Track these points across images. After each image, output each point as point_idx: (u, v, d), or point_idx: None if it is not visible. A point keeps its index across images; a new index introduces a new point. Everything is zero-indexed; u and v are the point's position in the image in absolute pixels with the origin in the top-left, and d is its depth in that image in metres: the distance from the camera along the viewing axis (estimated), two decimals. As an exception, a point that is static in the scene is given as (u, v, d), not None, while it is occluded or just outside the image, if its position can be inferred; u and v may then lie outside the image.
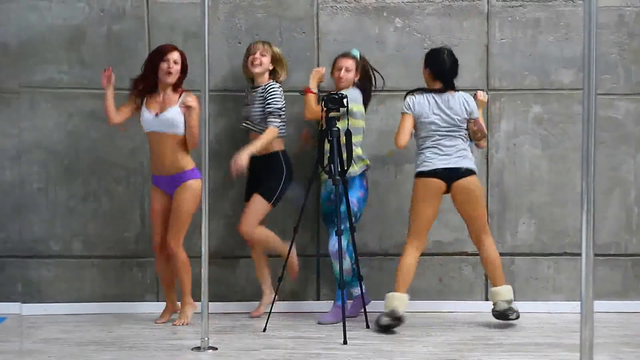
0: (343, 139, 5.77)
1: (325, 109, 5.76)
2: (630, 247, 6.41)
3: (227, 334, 5.66)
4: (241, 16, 6.33)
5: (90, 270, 6.34)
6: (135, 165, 6.27)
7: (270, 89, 5.94)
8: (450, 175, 5.71)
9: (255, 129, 5.98)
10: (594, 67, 3.72)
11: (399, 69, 6.31)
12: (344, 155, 5.77)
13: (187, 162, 5.82)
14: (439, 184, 5.71)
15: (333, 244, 5.86)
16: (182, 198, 5.78)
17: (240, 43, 6.30)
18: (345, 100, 5.76)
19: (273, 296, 5.95)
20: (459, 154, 5.74)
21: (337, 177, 5.67)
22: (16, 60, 6.23)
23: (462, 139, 5.78)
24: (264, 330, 5.71)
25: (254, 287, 6.24)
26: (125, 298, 6.29)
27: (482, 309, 6.25)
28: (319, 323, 5.92)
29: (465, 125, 5.79)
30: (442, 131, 5.74)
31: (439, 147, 5.74)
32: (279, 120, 5.93)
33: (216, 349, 5.24)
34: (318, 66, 6.28)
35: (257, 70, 5.98)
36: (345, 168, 5.76)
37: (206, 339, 5.20)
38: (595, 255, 3.77)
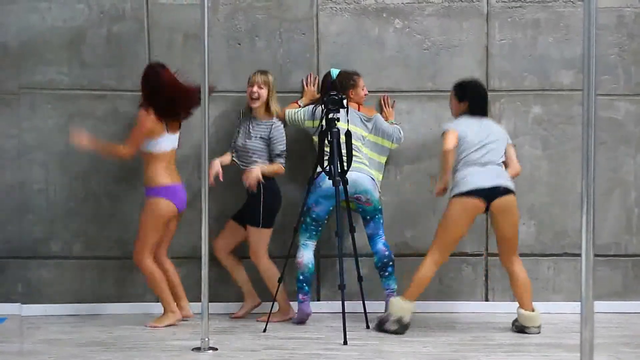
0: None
1: (325, 110, 5.76)
2: (630, 247, 6.41)
3: (227, 335, 5.66)
4: (241, 17, 6.33)
5: (90, 271, 6.34)
6: (136, 166, 6.26)
7: (278, 130, 5.96)
8: (491, 194, 5.56)
9: (246, 164, 5.97)
10: (594, 68, 3.73)
11: (398, 69, 6.31)
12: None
13: (154, 179, 5.85)
14: (478, 204, 5.57)
15: (309, 255, 5.98)
16: (143, 213, 5.89)
17: (240, 44, 6.31)
18: (345, 102, 5.76)
19: (256, 299, 6.13)
20: (497, 172, 5.64)
21: (337, 178, 5.67)
22: (16, 62, 6.23)
23: (499, 162, 5.70)
24: (264, 330, 5.72)
25: (254, 287, 6.23)
26: (125, 299, 6.30)
27: (483, 310, 6.26)
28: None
29: (504, 149, 5.75)
30: (481, 150, 5.66)
31: (478, 165, 5.64)
32: (284, 161, 5.99)
33: (216, 349, 5.24)
34: (318, 67, 6.29)
35: (255, 105, 5.98)
36: (345, 169, 5.76)
37: (206, 339, 5.21)
38: (595, 255, 3.77)
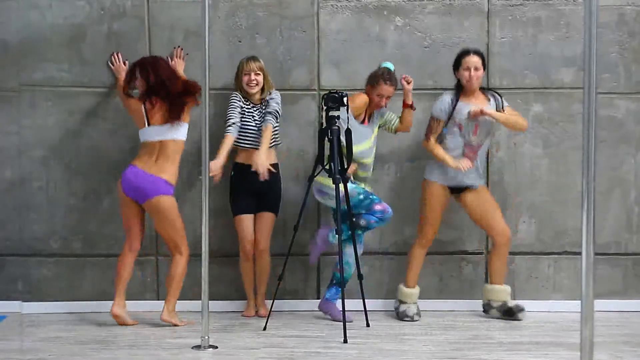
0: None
1: (325, 107, 5.76)
2: (630, 246, 6.41)
3: (227, 333, 5.66)
4: (241, 15, 6.33)
5: (90, 269, 6.34)
6: (136, 163, 6.27)
7: (275, 95, 6.03)
8: None
9: (257, 145, 5.99)
10: (594, 66, 3.72)
11: (399, 67, 6.28)
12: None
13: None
14: None
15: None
16: None
17: (240, 42, 6.30)
18: (345, 99, 5.76)
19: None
20: None
21: (337, 176, 5.67)
22: (17, 59, 6.23)
23: None
24: (264, 329, 5.71)
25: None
26: (125, 297, 6.28)
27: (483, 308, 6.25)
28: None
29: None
30: None
31: None
32: (275, 122, 5.97)
33: (216, 347, 5.24)
34: (318, 65, 6.30)
35: (254, 90, 6.01)
36: (345, 167, 5.76)
37: (206, 337, 5.21)
38: (596, 254, 3.77)
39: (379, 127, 6.11)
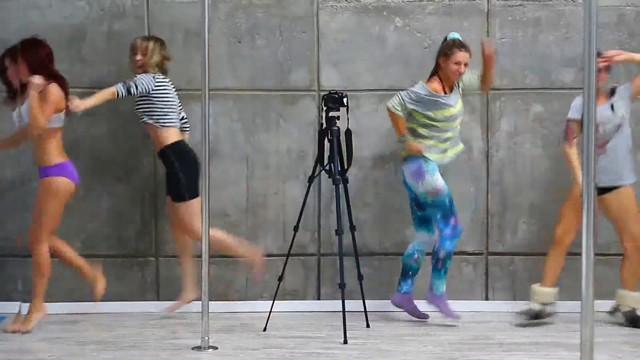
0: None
1: (325, 108, 5.77)
2: (630, 246, 6.40)
3: (227, 334, 5.66)
4: (241, 15, 6.33)
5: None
6: (135, 163, 6.28)
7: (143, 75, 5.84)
8: None
9: (149, 123, 5.86)
10: (594, 66, 3.71)
11: (399, 68, 6.31)
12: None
13: (52, 157, 5.60)
14: None
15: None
16: (42, 194, 5.61)
17: (240, 42, 6.30)
18: (345, 100, 5.76)
19: (190, 295, 5.96)
20: None
21: (337, 177, 5.67)
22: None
23: None
24: (264, 329, 5.71)
25: (254, 286, 6.25)
26: (125, 297, 6.29)
27: (483, 308, 6.25)
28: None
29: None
30: None
31: None
32: (125, 89, 5.72)
33: (216, 348, 5.24)
34: (318, 65, 6.30)
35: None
36: (346, 167, 5.76)
37: (206, 338, 5.21)
38: (596, 254, 3.76)
39: (463, 92, 5.96)
